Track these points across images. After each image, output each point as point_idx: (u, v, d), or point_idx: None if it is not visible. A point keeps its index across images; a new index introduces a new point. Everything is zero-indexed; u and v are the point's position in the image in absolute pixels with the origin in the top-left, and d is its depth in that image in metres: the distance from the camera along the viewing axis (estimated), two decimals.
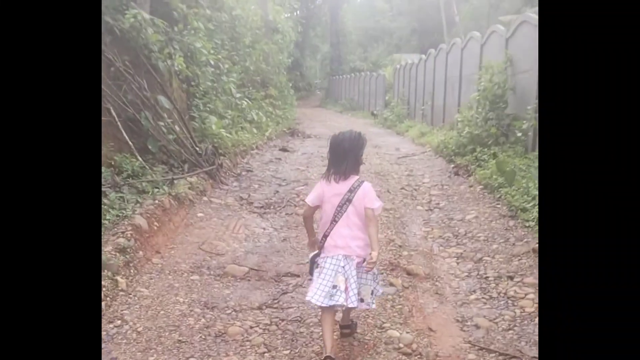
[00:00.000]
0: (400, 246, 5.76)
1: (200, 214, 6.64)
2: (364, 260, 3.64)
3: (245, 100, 13.55)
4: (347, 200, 3.61)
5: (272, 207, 7.23)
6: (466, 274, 5.04)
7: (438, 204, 7.53)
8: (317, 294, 3.53)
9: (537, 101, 7.89)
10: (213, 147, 8.84)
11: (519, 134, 8.71)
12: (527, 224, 6.02)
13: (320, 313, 3.84)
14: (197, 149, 8.26)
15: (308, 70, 47.83)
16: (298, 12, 44.58)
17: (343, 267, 3.58)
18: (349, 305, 3.58)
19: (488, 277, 4.92)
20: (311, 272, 3.78)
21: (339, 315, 3.95)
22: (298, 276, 4.93)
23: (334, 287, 3.53)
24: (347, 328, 3.97)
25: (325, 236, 3.68)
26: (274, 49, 20.13)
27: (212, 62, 10.60)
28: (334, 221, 3.65)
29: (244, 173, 9.19)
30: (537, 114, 7.74)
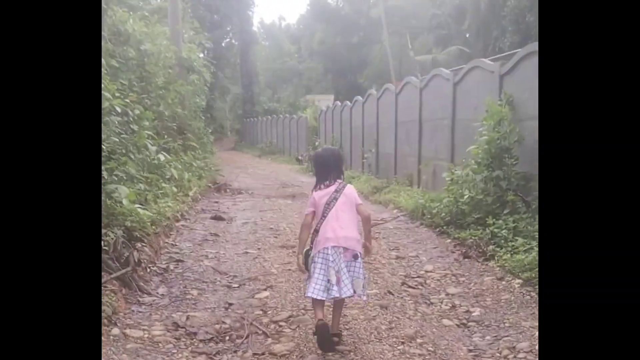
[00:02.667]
0: None
1: None
2: (355, 255, 4.06)
3: (163, 154, 10.54)
4: (334, 199, 4.09)
5: (228, 340, 4.34)
6: None
7: (470, 312, 4.92)
8: (315, 288, 3.91)
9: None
10: (125, 234, 5.86)
11: None
12: None
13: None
14: (102, 242, 5.24)
15: (218, 112, 44.95)
16: (207, 52, 42.05)
17: (332, 260, 3.94)
18: (343, 296, 3.94)
19: None
20: (306, 267, 4.13)
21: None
22: None
23: (328, 281, 3.91)
24: (336, 337, 4.12)
25: (316, 231, 4.10)
26: (190, 90, 17.19)
27: (119, 109, 7.51)
28: (323, 217, 4.08)
29: (172, 266, 6.21)
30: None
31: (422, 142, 11.19)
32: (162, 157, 10.38)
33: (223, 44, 45.38)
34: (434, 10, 37.12)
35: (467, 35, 35.02)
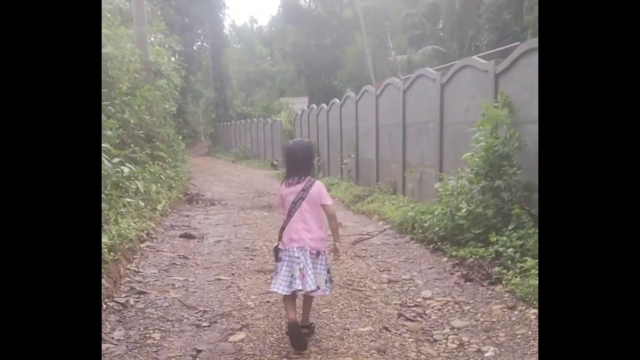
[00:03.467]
0: None
1: None
2: (318, 253, 4.18)
3: (128, 166, 9.61)
4: (300, 198, 4.15)
5: None
6: None
7: (482, 353, 4.14)
8: (280, 284, 4.08)
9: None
10: None
11: None
12: None
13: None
14: None
15: (191, 116, 43.81)
16: (177, 55, 40.89)
17: (297, 257, 4.08)
18: (307, 289, 4.05)
19: None
20: (277, 259, 4.22)
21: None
22: None
23: (292, 276, 4.06)
24: (307, 328, 4.33)
25: (282, 229, 4.23)
26: (158, 96, 16.21)
27: None
28: (289, 216, 4.17)
29: (133, 300, 5.32)
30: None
31: (406, 147, 10.42)
32: (126, 170, 9.47)
33: (194, 47, 44.28)
34: (408, 9, 36.56)
35: (442, 35, 34.50)
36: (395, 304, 5.25)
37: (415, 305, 5.20)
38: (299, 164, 4.23)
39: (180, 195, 12.82)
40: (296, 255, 4.09)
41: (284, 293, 4.09)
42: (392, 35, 39.95)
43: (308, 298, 4.38)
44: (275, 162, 22.28)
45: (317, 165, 16.94)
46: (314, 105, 18.24)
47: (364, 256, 7.00)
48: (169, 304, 5.28)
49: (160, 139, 14.76)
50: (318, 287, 4.10)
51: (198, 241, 8.07)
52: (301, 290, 4.08)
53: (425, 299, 5.37)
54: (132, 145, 12.02)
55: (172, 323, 4.79)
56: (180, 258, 6.97)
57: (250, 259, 6.86)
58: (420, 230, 7.39)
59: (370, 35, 42.55)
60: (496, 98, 6.97)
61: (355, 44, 44.42)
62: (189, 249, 7.56)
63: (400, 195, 10.53)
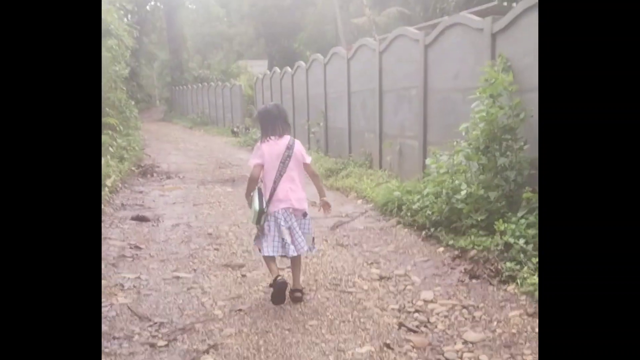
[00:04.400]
0: None
1: None
2: (304, 213, 4.29)
3: None
4: (287, 157, 4.17)
5: None
6: None
7: None
8: (271, 247, 4.18)
9: None
10: None
11: None
12: None
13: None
14: None
15: (145, 79, 41.82)
16: (130, 16, 38.74)
17: (285, 220, 4.18)
18: (299, 252, 4.25)
19: None
20: (258, 222, 4.21)
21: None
22: None
23: (283, 239, 4.16)
24: (299, 292, 4.35)
25: (273, 191, 4.17)
26: (108, 58, 14.77)
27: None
28: (280, 175, 4.16)
29: None
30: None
31: (383, 116, 9.47)
32: None
33: (148, 7, 42.07)
34: None
35: None
36: (393, 309, 4.36)
37: (417, 311, 4.32)
38: (275, 121, 4.24)
39: (132, 168, 11.63)
40: (281, 218, 4.18)
41: (276, 255, 4.23)
42: None
43: (296, 261, 4.40)
44: (235, 129, 21.06)
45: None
46: (277, 69, 17.03)
47: (347, 245, 6.08)
48: (116, 312, 4.28)
49: (109, 104, 13.43)
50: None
51: (153, 225, 7.00)
52: (296, 255, 4.24)
53: (426, 301, 4.49)
54: None
55: (120, 341, 3.80)
56: (131, 248, 5.92)
57: (215, 249, 5.86)
58: (409, 213, 6.50)
59: None
60: (496, 61, 6.05)
61: (315, 5, 42.83)
62: (141, 235, 6.50)
63: (377, 169, 9.62)
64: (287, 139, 4.24)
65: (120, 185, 9.60)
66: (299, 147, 4.29)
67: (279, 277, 4.18)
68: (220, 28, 55.16)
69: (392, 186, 7.47)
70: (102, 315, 4.20)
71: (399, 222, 6.69)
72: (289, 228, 4.20)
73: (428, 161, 6.48)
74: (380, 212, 7.30)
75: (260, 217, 4.20)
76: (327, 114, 12.26)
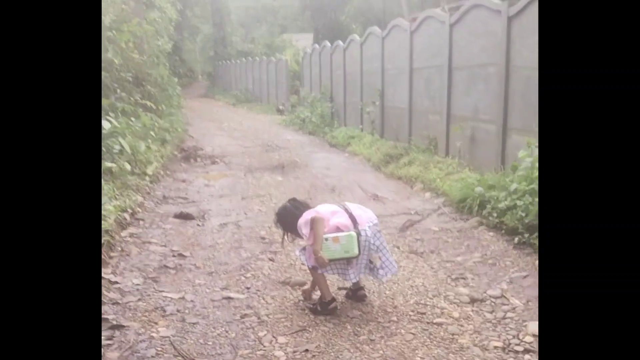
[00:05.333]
0: None
1: None
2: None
3: (108, 120, 7.67)
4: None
5: None
6: None
7: None
8: (359, 271, 3.71)
9: None
10: None
11: None
12: None
13: None
14: None
15: (188, 54, 41.25)
16: None
17: (374, 238, 3.67)
18: (390, 274, 3.83)
19: None
20: (359, 249, 3.65)
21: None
22: None
23: (370, 262, 3.69)
24: (362, 290, 4.00)
25: (350, 214, 3.72)
26: (150, 31, 14.02)
27: None
28: (343, 204, 3.84)
29: (104, 342, 3.52)
30: None
31: (452, 96, 8.42)
32: (107, 125, 7.55)
33: None
34: None
35: None
36: (496, 347, 3.43)
37: (527, 351, 3.38)
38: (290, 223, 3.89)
39: (175, 152, 10.88)
40: (371, 235, 3.69)
41: (363, 276, 3.93)
42: None
43: (359, 288, 4.09)
44: (281, 107, 20.21)
45: (330, 112, 14.94)
46: (327, 43, 15.98)
47: (422, 252, 5.14)
48: (156, 350, 3.46)
49: (152, 82, 12.70)
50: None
51: (198, 224, 6.19)
52: (389, 279, 4.04)
53: (536, 336, 3.55)
54: (117, 90, 10.03)
55: None
56: (174, 256, 5.11)
57: (270, 259, 5.00)
58: (495, 213, 5.51)
59: None
60: None
61: None
62: (186, 237, 5.70)
63: (443, 155, 8.61)
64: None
65: (162, 172, 8.85)
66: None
67: (335, 303, 3.83)
68: (264, 1, 54.23)
69: (470, 178, 6.48)
70: (139, 354, 3.40)
71: (480, 223, 5.71)
72: (378, 250, 3.73)
73: (520, 153, 5.46)
74: (456, 209, 6.32)
75: (358, 240, 3.67)
76: (384, 92, 11.24)
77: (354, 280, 3.81)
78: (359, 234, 3.65)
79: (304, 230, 3.67)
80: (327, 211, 3.78)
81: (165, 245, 5.39)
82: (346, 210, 3.76)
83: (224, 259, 5.03)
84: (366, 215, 3.77)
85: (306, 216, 3.69)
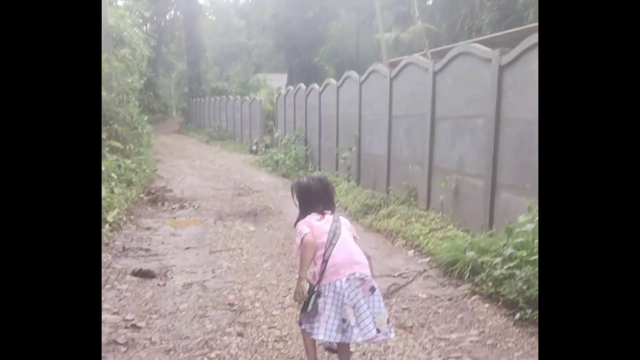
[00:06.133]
0: None
1: None
2: (371, 288, 3.18)
3: None
4: (337, 228, 3.30)
5: None
6: None
7: None
8: (328, 329, 3.11)
9: None
10: None
11: None
12: None
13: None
14: None
15: (163, 89, 40.63)
16: (149, 24, 37.61)
17: (347, 295, 3.11)
18: (366, 338, 3.14)
19: None
20: (305, 309, 3.18)
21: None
22: None
23: (343, 321, 3.10)
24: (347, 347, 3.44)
25: (324, 261, 3.18)
26: (120, 68, 13.41)
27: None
28: (331, 244, 3.21)
29: None
30: None
31: (434, 146, 7.94)
32: None
33: (167, 17, 41.03)
34: None
35: (432, 13, 31.89)
36: None
37: None
38: (319, 200, 3.44)
39: (142, 195, 10.15)
40: (345, 293, 3.12)
41: (336, 341, 3.22)
42: (375, 12, 37.29)
43: (345, 348, 3.43)
44: (254, 148, 19.62)
45: (304, 155, 14.41)
46: (302, 85, 15.53)
47: (411, 326, 4.52)
48: None
49: (119, 120, 12.01)
50: (379, 330, 3.16)
51: (158, 284, 5.47)
52: (360, 341, 3.20)
53: None
54: None
55: None
56: (126, 327, 4.39)
57: (238, 335, 4.30)
58: (490, 282, 4.93)
59: (354, 10, 39.74)
60: None
61: (339, 19, 41.57)
62: (143, 302, 4.97)
63: (424, 207, 8.07)
64: (329, 216, 3.40)
65: (124, 218, 8.11)
66: (346, 221, 3.48)
67: None
68: (239, 39, 54.17)
69: (458, 239, 5.93)
70: None
71: (473, 292, 5.12)
72: (354, 306, 3.11)
73: (521, 218, 4.92)
74: (444, 273, 5.73)
75: (310, 297, 3.17)
76: (361, 139, 10.73)
77: (322, 339, 3.23)
78: (318, 295, 3.18)
79: (296, 239, 3.29)
80: (321, 231, 3.29)
81: (117, 313, 4.66)
82: (331, 242, 3.23)
83: (184, 332, 4.33)
84: (348, 264, 3.18)
85: (303, 227, 3.30)
